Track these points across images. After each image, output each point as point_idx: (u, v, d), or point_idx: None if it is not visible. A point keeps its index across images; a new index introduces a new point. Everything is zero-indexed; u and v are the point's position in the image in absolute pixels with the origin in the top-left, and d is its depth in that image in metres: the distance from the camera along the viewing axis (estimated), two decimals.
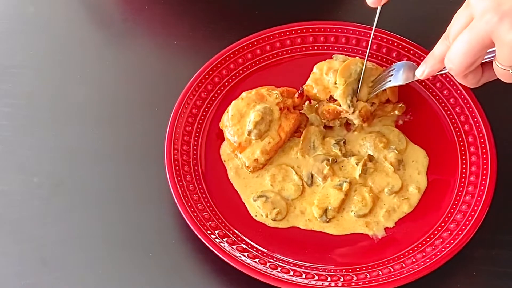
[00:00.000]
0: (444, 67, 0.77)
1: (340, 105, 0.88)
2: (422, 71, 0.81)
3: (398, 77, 0.86)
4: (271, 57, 0.95)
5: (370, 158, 0.89)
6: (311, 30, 0.96)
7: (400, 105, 0.92)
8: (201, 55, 0.94)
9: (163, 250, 0.84)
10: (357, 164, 0.88)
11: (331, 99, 0.89)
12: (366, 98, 0.89)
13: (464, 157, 0.88)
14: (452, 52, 0.73)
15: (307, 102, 0.91)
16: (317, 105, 0.90)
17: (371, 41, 0.87)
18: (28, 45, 0.99)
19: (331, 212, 0.85)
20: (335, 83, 0.88)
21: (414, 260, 0.82)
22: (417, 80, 0.87)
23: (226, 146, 0.89)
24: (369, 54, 0.95)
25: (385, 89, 0.88)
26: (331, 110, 0.88)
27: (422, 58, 0.94)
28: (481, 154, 0.87)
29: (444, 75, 0.93)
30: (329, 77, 0.89)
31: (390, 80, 0.87)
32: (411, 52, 0.95)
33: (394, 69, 0.87)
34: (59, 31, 1.01)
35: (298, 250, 0.83)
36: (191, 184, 0.85)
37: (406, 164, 0.89)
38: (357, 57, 0.90)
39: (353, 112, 0.88)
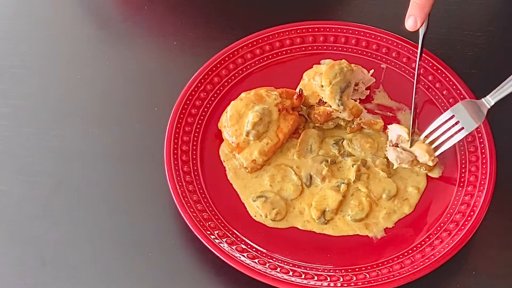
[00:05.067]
0: None
1: (330, 106, 0.88)
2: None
3: (469, 123, 0.86)
4: (270, 57, 0.95)
5: (363, 163, 0.88)
6: (310, 30, 0.96)
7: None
8: (201, 55, 0.94)
9: (163, 250, 0.84)
10: (353, 166, 0.88)
11: (321, 102, 0.89)
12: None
13: (463, 157, 0.88)
14: None
15: None
16: (308, 110, 0.90)
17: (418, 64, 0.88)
18: (28, 45, 0.99)
19: (329, 214, 0.85)
20: (322, 86, 0.88)
21: (413, 260, 0.82)
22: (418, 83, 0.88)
23: (225, 147, 0.89)
24: (367, 53, 0.96)
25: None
26: (322, 112, 0.88)
27: (421, 57, 0.94)
28: (480, 154, 0.87)
29: (444, 75, 0.93)
30: (316, 81, 0.89)
31: (463, 128, 0.86)
32: (411, 52, 0.94)
33: (453, 115, 0.86)
34: (59, 31, 1.01)
35: (297, 250, 0.83)
36: (191, 185, 0.85)
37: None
38: (343, 59, 0.90)
39: (343, 111, 0.88)
